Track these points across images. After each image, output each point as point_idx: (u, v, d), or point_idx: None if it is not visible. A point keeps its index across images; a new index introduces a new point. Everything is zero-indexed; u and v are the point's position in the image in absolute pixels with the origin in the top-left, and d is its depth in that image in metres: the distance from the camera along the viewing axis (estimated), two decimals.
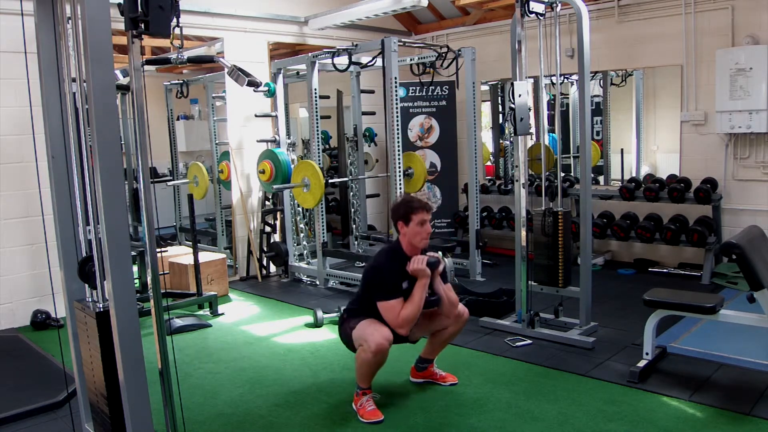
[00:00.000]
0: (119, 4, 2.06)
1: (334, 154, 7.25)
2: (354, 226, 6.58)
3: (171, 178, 7.47)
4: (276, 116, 6.19)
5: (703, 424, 2.95)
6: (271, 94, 6.06)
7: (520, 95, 3.93)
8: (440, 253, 3.34)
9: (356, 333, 3.15)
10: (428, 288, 3.16)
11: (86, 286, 2.50)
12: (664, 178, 5.95)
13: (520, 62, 4.09)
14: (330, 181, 5.63)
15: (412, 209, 3.17)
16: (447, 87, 6.92)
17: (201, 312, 5.18)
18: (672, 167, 5.98)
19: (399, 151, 5.06)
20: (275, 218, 6.49)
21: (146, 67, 4.69)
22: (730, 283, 5.14)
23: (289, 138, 6.37)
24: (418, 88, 6.85)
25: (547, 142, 5.37)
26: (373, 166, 7.07)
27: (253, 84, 5.29)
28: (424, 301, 3.12)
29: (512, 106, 3.99)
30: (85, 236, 2.49)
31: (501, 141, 7.57)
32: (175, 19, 2.15)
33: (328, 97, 6.30)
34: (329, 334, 4.51)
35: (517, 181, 4.20)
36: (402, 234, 3.22)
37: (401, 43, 5.25)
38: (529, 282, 4.26)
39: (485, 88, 7.53)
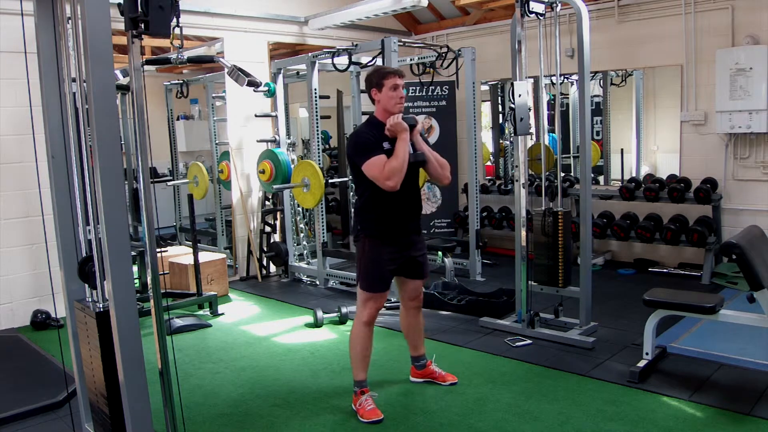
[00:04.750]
0: (119, 4, 2.06)
1: (334, 154, 7.25)
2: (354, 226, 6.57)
3: (171, 178, 7.47)
4: (276, 116, 6.19)
5: (703, 424, 2.95)
6: (271, 94, 6.06)
7: (520, 95, 3.93)
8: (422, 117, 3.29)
9: (359, 295, 3.25)
10: (411, 147, 3.14)
11: (86, 286, 2.50)
12: (664, 178, 5.95)
13: (520, 62, 4.09)
14: (330, 181, 5.63)
15: (384, 74, 3.15)
16: (447, 87, 6.92)
17: (201, 312, 5.18)
18: (672, 167, 5.98)
19: None
20: (275, 218, 6.49)
21: (146, 67, 4.70)
22: (730, 283, 5.14)
23: (289, 138, 6.37)
24: (418, 88, 6.84)
25: (547, 142, 5.36)
26: None
27: (253, 84, 5.29)
28: (409, 157, 3.09)
29: (512, 106, 3.99)
30: (85, 236, 2.49)
31: (501, 141, 7.57)
32: (175, 19, 2.15)
33: (328, 97, 6.30)
34: (329, 334, 4.51)
35: (517, 181, 4.20)
36: (377, 102, 3.19)
37: (401, 43, 5.26)
38: (529, 282, 4.26)
39: (485, 88, 7.53)
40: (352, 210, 3.50)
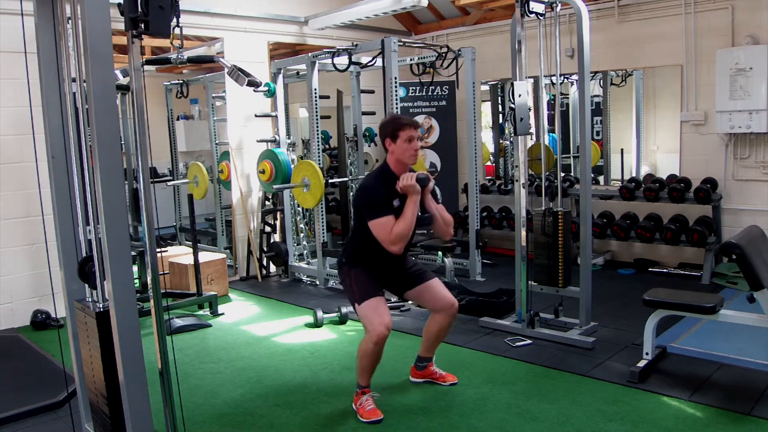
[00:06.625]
0: (119, 4, 2.06)
1: (334, 154, 7.25)
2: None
3: (171, 178, 7.47)
4: (276, 116, 6.19)
5: (703, 424, 2.95)
6: (271, 94, 6.06)
7: (520, 95, 3.94)
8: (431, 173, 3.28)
9: (360, 314, 3.14)
10: (420, 207, 3.12)
11: (86, 286, 2.49)
12: (664, 178, 5.95)
13: (520, 62, 4.09)
14: (330, 181, 5.63)
15: (399, 125, 3.12)
16: (447, 87, 6.92)
17: (201, 312, 5.18)
18: (672, 167, 5.98)
19: None
20: (275, 218, 6.49)
21: (146, 67, 4.70)
22: (730, 283, 5.14)
23: (289, 138, 6.37)
24: (418, 88, 6.85)
25: (547, 142, 5.37)
26: (373, 166, 7.07)
27: (253, 84, 5.29)
28: (417, 218, 3.08)
29: (512, 106, 3.99)
30: (85, 236, 2.48)
31: (501, 141, 7.57)
32: (175, 19, 2.15)
33: (328, 97, 6.30)
34: (329, 334, 4.51)
35: (517, 181, 4.20)
36: (390, 152, 3.16)
37: (401, 43, 5.25)
38: (529, 282, 4.26)
39: (485, 88, 7.53)
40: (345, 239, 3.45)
